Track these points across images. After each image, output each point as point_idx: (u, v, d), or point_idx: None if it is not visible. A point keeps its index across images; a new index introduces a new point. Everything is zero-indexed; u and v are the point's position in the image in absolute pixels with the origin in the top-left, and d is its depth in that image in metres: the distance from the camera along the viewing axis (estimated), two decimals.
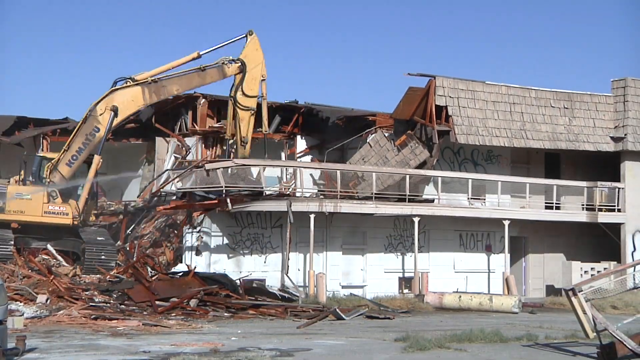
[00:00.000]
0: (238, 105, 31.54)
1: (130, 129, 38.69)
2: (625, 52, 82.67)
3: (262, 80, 31.69)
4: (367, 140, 35.48)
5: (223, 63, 31.06)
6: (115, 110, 29.65)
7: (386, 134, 35.08)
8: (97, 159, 30.03)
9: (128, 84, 30.00)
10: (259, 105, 32.27)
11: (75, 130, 30.04)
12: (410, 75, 33.45)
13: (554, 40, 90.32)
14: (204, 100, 36.63)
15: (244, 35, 31.52)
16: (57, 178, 29.80)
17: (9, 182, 30.51)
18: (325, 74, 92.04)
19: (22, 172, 30.31)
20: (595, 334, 16.34)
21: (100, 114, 29.64)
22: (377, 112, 37.54)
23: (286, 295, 28.31)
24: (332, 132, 37.71)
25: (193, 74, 30.76)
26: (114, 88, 29.99)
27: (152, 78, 30.09)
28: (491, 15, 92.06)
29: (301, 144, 37.81)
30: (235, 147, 32.56)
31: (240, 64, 31.25)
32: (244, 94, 31.50)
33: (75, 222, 29.84)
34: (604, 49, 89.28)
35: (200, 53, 30.81)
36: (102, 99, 29.77)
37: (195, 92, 36.72)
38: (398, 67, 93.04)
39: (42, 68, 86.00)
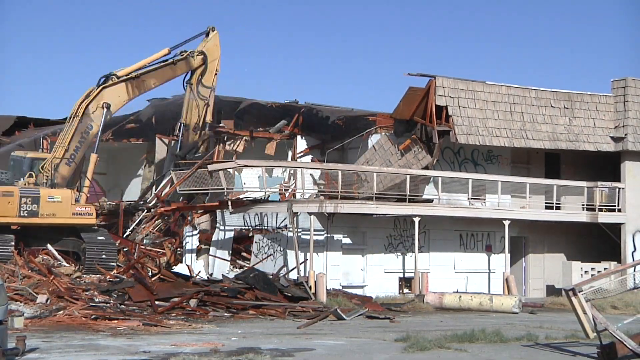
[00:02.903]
0: (199, 95, 34.01)
1: (130, 129, 38.70)
2: (625, 52, 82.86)
3: (216, 74, 34.23)
4: (372, 143, 35.42)
5: (190, 56, 33.51)
6: (108, 107, 30.88)
7: (388, 135, 35.04)
8: (94, 158, 30.71)
9: (113, 80, 31.29)
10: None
11: (65, 130, 30.61)
12: (410, 75, 33.42)
13: (554, 40, 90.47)
14: None
15: (207, 30, 34.11)
16: (59, 178, 29.97)
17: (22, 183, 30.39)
18: (325, 74, 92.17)
19: (33, 174, 30.31)
20: (595, 334, 16.34)
21: (93, 112, 30.67)
22: (377, 112, 37.53)
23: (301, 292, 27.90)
24: (332, 132, 37.70)
25: (166, 68, 33.12)
26: (103, 85, 31.03)
27: (135, 73, 31.82)
28: (491, 15, 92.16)
29: (301, 144, 37.81)
30: (186, 131, 34.65)
31: (202, 55, 33.84)
32: (203, 85, 34.15)
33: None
34: (604, 49, 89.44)
35: (170, 49, 33.06)
36: (93, 98, 30.71)
37: None
38: (398, 67, 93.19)
39: (42, 68, 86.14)
